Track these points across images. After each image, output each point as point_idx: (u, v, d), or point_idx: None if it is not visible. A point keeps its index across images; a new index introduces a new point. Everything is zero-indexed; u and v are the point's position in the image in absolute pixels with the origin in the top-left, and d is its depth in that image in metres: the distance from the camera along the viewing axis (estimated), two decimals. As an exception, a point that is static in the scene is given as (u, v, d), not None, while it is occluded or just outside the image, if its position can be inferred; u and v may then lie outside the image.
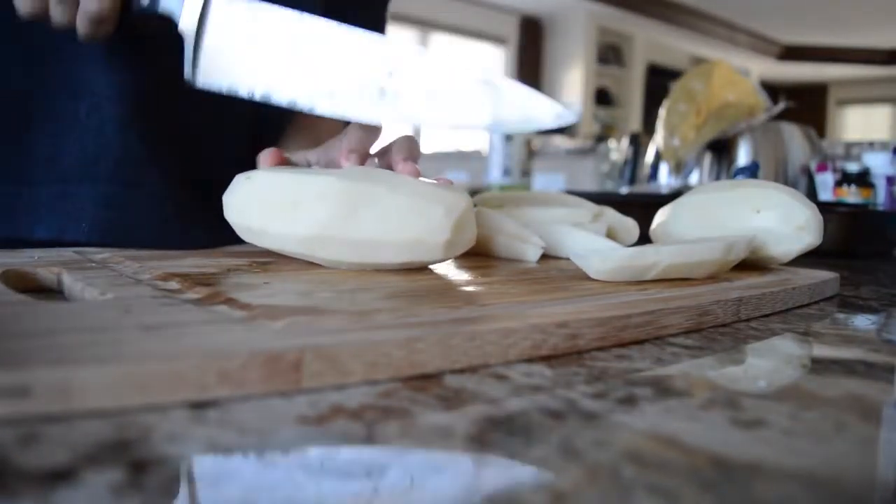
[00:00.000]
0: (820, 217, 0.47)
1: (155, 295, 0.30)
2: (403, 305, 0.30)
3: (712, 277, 0.43)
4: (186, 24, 0.43)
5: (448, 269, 0.43)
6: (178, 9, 0.43)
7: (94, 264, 0.37)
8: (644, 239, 0.57)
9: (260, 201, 0.40)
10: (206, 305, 0.28)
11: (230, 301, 0.28)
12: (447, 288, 0.35)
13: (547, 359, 0.27)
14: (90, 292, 0.31)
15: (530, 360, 0.27)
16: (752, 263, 0.48)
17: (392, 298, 0.31)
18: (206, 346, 0.22)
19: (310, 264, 0.41)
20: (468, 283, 0.38)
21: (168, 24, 0.44)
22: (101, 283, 0.32)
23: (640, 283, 0.39)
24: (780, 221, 0.47)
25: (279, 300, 0.29)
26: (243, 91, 0.43)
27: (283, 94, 0.43)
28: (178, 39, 0.44)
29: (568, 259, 0.50)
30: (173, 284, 0.32)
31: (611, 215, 0.59)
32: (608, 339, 0.30)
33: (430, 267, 0.43)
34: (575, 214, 0.57)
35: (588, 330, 0.29)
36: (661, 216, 0.55)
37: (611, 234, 0.57)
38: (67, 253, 0.41)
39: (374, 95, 0.42)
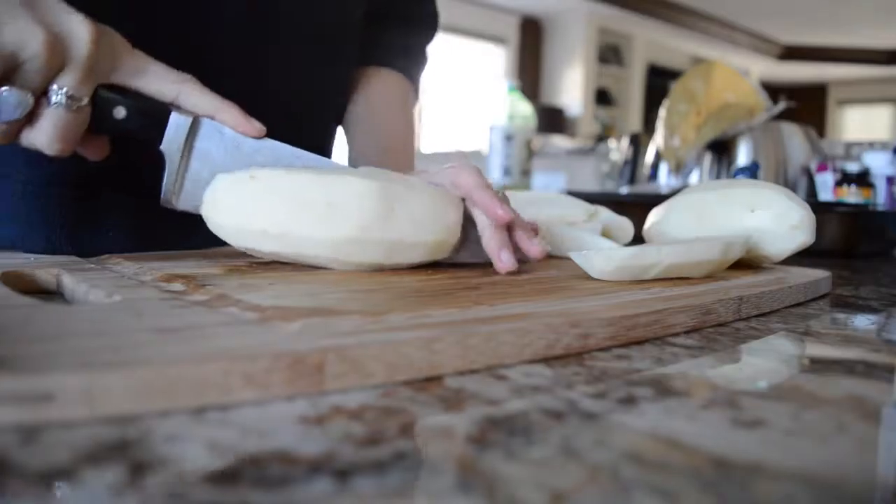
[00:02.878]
0: (813, 216, 0.47)
1: (163, 297, 0.30)
2: (415, 306, 0.30)
3: (709, 276, 0.43)
4: (168, 147, 0.40)
5: (447, 269, 0.43)
6: (159, 129, 0.40)
7: (93, 266, 0.37)
8: (638, 238, 0.57)
9: (281, 202, 0.37)
10: (215, 308, 0.28)
11: (239, 303, 0.28)
12: (453, 288, 0.35)
13: (547, 359, 0.27)
14: (96, 294, 0.31)
15: (531, 361, 0.27)
16: (745, 262, 0.49)
17: (402, 299, 0.31)
18: (227, 349, 0.22)
19: (307, 265, 0.41)
20: (472, 283, 0.38)
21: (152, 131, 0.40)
22: (105, 284, 0.32)
23: (641, 282, 0.39)
24: (775, 221, 0.47)
25: (289, 301, 0.29)
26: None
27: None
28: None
29: (564, 258, 0.50)
30: (178, 286, 0.32)
31: (605, 215, 0.59)
32: (618, 339, 0.30)
33: (428, 266, 0.43)
34: (570, 214, 0.57)
35: (600, 329, 0.29)
36: (654, 216, 0.55)
37: (605, 234, 0.57)
38: (60, 255, 0.41)
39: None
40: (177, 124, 0.40)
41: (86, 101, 0.37)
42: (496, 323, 0.27)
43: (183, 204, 0.41)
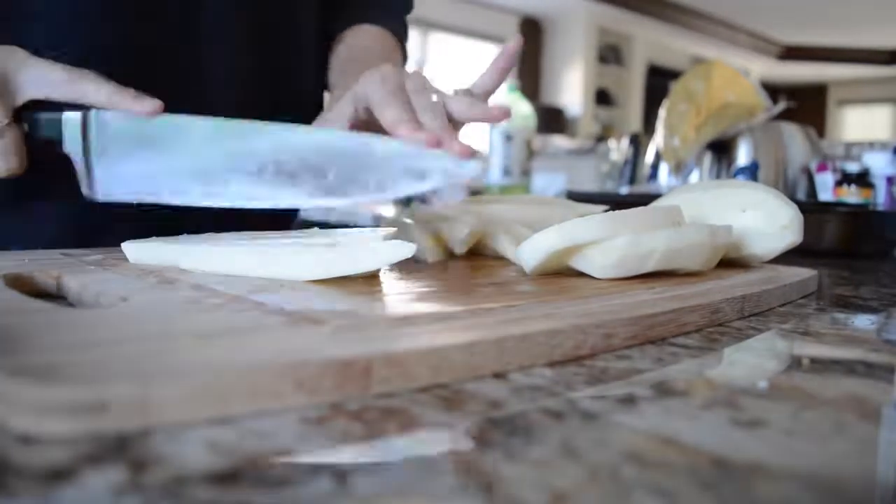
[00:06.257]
0: (801, 217, 0.48)
1: (181, 300, 0.29)
2: (437, 308, 0.29)
3: (702, 274, 0.43)
4: (69, 147, 0.42)
5: (451, 268, 0.43)
6: (57, 132, 0.42)
7: (92, 267, 0.37)
8: None
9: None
10: (237, 310, 0.27)
11: (260, 305, 0.28)
12: (466, 289, 0.35)
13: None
14: (107, 298, 0.30)
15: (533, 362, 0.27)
16: (735, 261, 0.49)
17: (420, 301, 0.31)
18: (275, 354, 0.21)
19: None
20: (479, 283, 0.38)
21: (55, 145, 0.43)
22: (115, 288, 0.31)
23: (643, 282, 0.39)
24: (765, 220, 0.48)
25: (307, 304, 0.29)
26: (151, 199, 0.42)
27: (195, 195, 0.42)
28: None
29: None
30: (186, 289, 0.32)
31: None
32: (637, 338, 0.30)
33: (433, 266, 0.43)
34: (560, 215, 0.57)
35: (622, 329, 0.29)
36: None
37: None
38: (54, 254, 0.41)
39: (308, 179, 0.41)
40: (70, 123, 0.42)
41: (4, 122, 0.40)
42: (526, 324, 0.27)
43: (103, 195, 0.43)
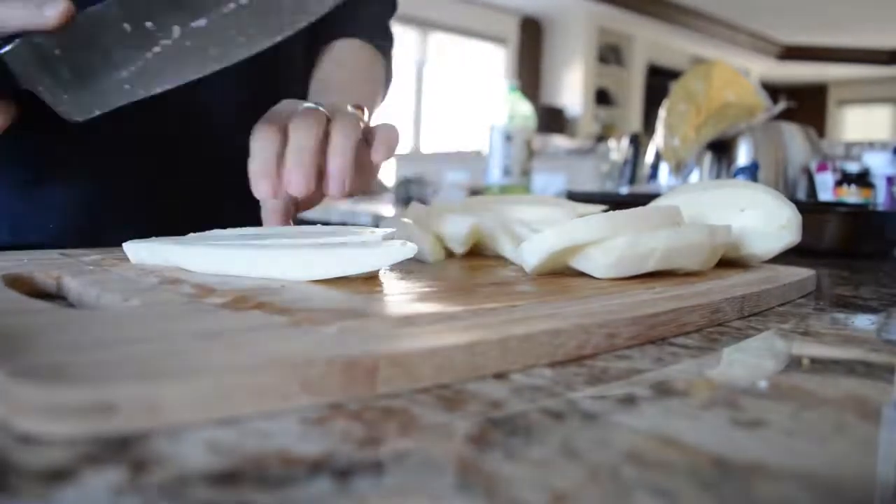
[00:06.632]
0: (800, 217, 0.48)
1: (182, 300, 0.29)
2: (439, 308, 0.29)
3: (702, 274, 0.43)
4: (26, 81, 0.38)
5: (451, 268, 0.43)
6: (5, 73, 0.38)
7: (91, 267, 0.37)
8: None
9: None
10: (240, 310, 0.27)
11: (263, 305, 0.28)
12: (467, 289, 0.35)
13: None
14: (108, 298, 0.30)
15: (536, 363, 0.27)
16: (733, 261, 0.49)
17: (422, 301, 0.31)
18: (280, 354, 0.21)
19: None
20: (481, 284, 0.38)
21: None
22: (118, 288, 0.31)
23: (643, 282, 0.39)
24: (764, 220, 0.48)
25: (312, 304, 0.29)
26: (135, 97, 0.40)
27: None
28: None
29: None
30: (187, 289, 0.32)
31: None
32: (639, 338, 0.30)
33: (433, 267, 0.43)
34: (557, 214, 0.57)
35: (625, 329, 0.29)
36: None
37: None
38: (53, 255, 0.41)
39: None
40: (11, 58, 0.37)
41: None
42: (529, 324, 0.27)
43: (82, 114, 0.40)
